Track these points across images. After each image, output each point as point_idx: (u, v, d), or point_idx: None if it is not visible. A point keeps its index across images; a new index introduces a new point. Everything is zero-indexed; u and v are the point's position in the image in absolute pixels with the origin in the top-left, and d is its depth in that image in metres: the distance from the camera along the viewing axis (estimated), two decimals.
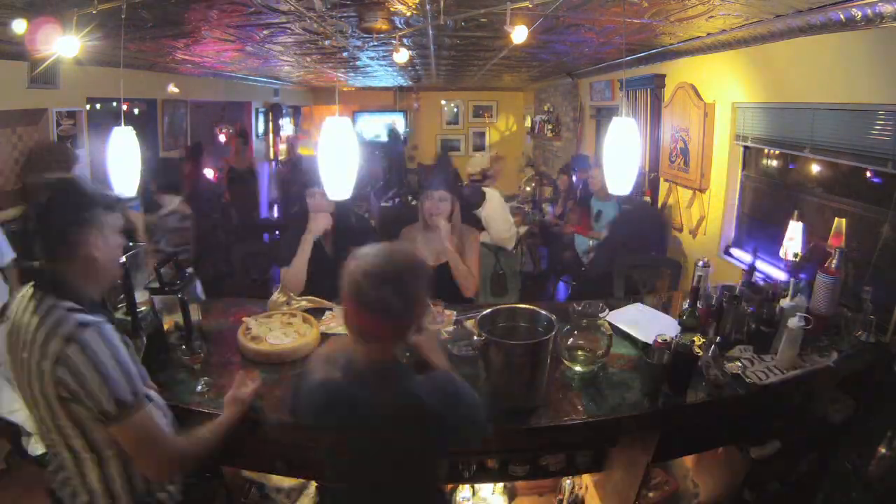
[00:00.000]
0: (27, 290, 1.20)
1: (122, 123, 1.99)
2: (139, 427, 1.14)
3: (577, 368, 1.69)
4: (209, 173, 5.51)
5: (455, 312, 2.17)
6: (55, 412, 1.12)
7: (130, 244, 2.02)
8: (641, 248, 3.28)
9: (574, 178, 5.25)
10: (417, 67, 5.28)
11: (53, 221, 1.15)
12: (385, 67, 5.12)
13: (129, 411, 1.11)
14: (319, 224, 2.29)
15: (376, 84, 7.70)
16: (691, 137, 3.36)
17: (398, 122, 9.43)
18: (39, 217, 1.16)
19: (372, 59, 4.33)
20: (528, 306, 1.70)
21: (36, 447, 2.62)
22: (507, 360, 1.47)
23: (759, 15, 2.23)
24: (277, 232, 6.01)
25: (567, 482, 2.17)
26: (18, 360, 1.15)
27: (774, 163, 2.94)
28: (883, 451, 1.65)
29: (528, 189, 7.57)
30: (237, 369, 1.70)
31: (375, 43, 2.89)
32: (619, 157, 1.78)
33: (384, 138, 8.94)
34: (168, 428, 1.24)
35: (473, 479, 1.89)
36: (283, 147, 7.94)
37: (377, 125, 9.51)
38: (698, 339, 1.77)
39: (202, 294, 2.31)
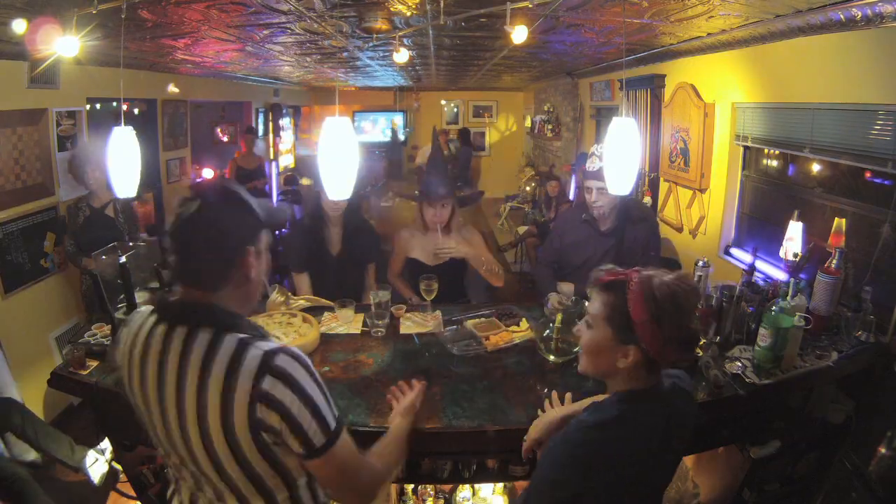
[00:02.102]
0: (147, 321, 1.01)
1: (122, 123, 1.99)
2: (344, 454, 0.99)
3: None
4: (209, 173, 5.52)
5: (440, 313, 2.17)
6: (237, 457, 0.94)
7: (130, 244, 2.03)
8: (634, 247, 3.27)
9: (574, 178, 5.25)
10: (417, 67, 5.28)
11: (210, 245, 0.98)
12: (385, 67, 5.12)
13: (335, 439, 0.97)
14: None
15: (376, 84, 7.70)
16: (691, 137, 3.36)
17: (398, 121, 9.45)
18: (192, 240, 0.98)
19: (372, 59, 4.33)
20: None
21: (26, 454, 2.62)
22: None
23: (759, 15, 2.23)
24: (278, 232, 6.02)
25: None
26: (155, 406, 0.98)
27: (774, 163, 2.94)
28: (883, 451, 1.65)
29: (527, 189, 7.59)
30: None
31: (375, 43, 2.88)
32: (619, 157, 1.78)
33: (384, 138, 8.96)
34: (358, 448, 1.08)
35: (473, 479, 1.89)
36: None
37: (377, 125, 9.54)
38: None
39: None
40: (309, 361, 0.98)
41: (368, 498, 1.06)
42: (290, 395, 0.91)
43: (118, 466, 2.54)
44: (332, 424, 0.97)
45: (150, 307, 1.06)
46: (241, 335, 0.96)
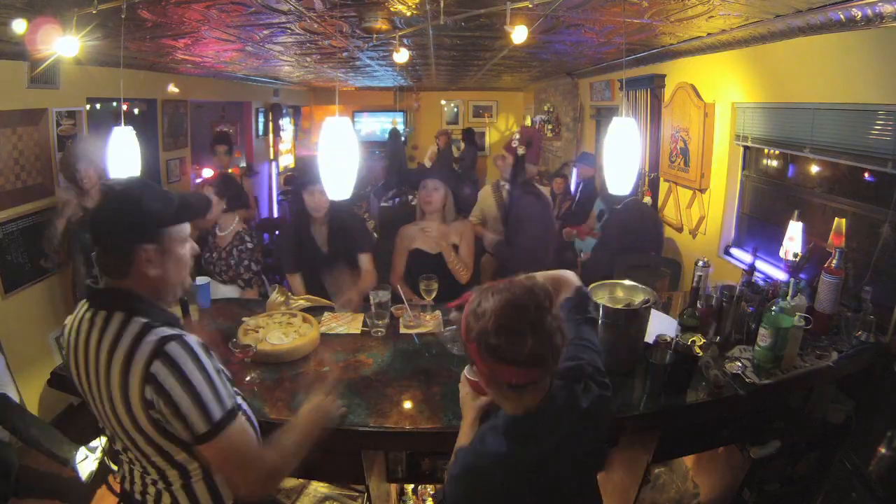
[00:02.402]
0: (82, 308, 1.12)
1: (122, 123, 1.99)
2: (230, 443, 1.04)
3: None
4: (209, 172, 5.52)
5: (439, 312, 2.17)
6: (142, 432, 1.02)
7: None
8: (636, 246, 3.28)
9: (575, 177, 5.25)
10: (417, 67, 5.27)
11: (107, 239, 1.07)
12: (385, 67, 5.11)
13: (220, 428, 1.01)
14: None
15: (376, 84, 7.69)
16: (691, 137, 3.36)
17: (398, 121, 9.44)
18: (94, 233, 1.09)
19: (372, 59, 4.33)
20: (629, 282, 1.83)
21: None
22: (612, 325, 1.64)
23: (759, 15, 2.22)
24: (277, 232, 6.02)
25: None
26: (86, 384, 1.08)
27: (774, 163, 2.94)
28: (883, 451, 1.65)
29: None
30: (236, 369, 1.70)
31: (375, 43, 2.88)
32: (619, 157, 1.79)
33: (384, 138, 8.96)
34: (258, 440, 1.12)
35: None
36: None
37: (378, 125, 9.53)
38: (698, 339, 1.77)
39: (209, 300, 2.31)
40: (200, 352, 1.04)
41: (262, 486, 1.11)
42: (171, 381, 0.98)
43: (114, 466, 2.54)
44: (217, 414, 1.01)
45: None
46: (146, 320, 1.03)
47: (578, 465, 1.12)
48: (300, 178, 2.06)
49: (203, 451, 1.03)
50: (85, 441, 2.80)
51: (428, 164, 7.93)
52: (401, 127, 9.43)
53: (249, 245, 2.71)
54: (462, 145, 8.61)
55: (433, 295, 2.14)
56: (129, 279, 1.07)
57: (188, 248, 1.14)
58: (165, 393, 0.98)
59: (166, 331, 1.02)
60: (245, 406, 1.15)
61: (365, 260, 2.52)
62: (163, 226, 1.08)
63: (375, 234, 4.23)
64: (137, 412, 1.00)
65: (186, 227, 1.14)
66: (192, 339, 1.05)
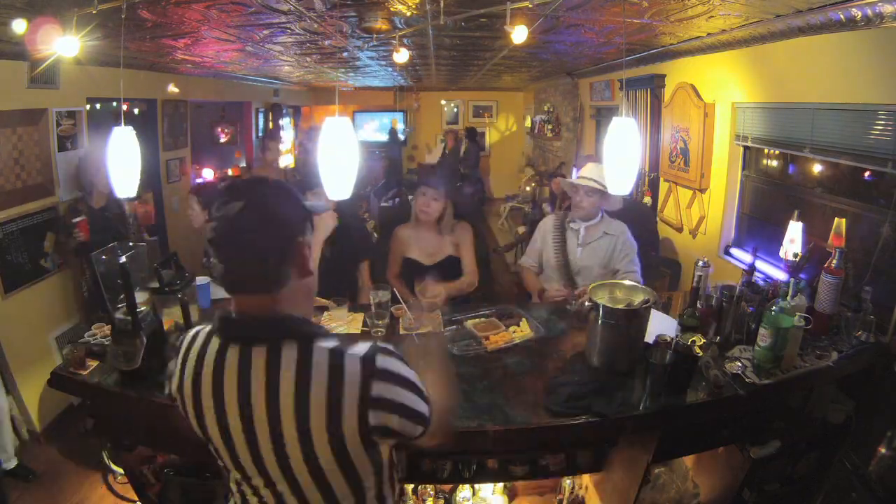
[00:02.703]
0: (212, 344, 0.94)
1: (122, 123, 1.99)
2: (440, 414, 1.01)
3: None
4: (209, 173, 5.53)
5: (440, 313, 2.17)
6: (344, 466, 0.91)
7: (130, 244, 2.02)
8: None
9: (575, 176, 5.24)
10: (417, 67, 5.28)
11: (260, 242, 0.89)
12: (385, 67, 5.12)
13: (432, 405, 0.98)
14: (328, 224, 2.26)
15: (376, 84, 7.70)
16: (691, 137, 3.36)
17: (398, 122, 9.44)
18: (237, 242, 0.89)
19: (372, 59, 4.33)
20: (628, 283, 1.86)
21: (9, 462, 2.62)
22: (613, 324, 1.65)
23: (759, 15, 2.23)
24: None
25: (567, 482, 2.17)
26: (236, 430, 0.91)
27: (774, 163, 2.94)
28: (883, 451, 1.66)
29: (527, 189, 7.59)
30: None
31: (375, 43, 2.88)
32: (619, 157, 1.78)
33: (384, 138, 8.96)
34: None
35: (473, 479, 1.89)
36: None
37: (377, 125, 9.53)
38: (698, 339, 1.77)
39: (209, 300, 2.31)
40: (395, 349, 0.96)
41: (450, 436, 1.10)
42: (399, 391, 0.91)
43: (116, 467, 2.54)
44: (424, 391, 0.97)
45: (199, 328, 1.00)
46: (328, 343, 0.91)
47: None
48: (305, 180, 2.02)
49: (428, 434, 0.98)
50: (86, 441, 2.81)
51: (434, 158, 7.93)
52: (400, 126, 9.44)
53: None
54: (465, 145, 8.61)
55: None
56: (284, 291, 0.92)
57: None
58: (398, 405, 0.91)
59: (359, 347, 0.91)
60: None
61: (363, 267, 2.54)
62: (309, 217, 0.98)
63: (375, 234, 4.22)
64: (351, 443, 0.89)
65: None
66: (383, 343, 0.96)
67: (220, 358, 0.92)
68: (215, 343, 0.94)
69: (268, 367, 0.88)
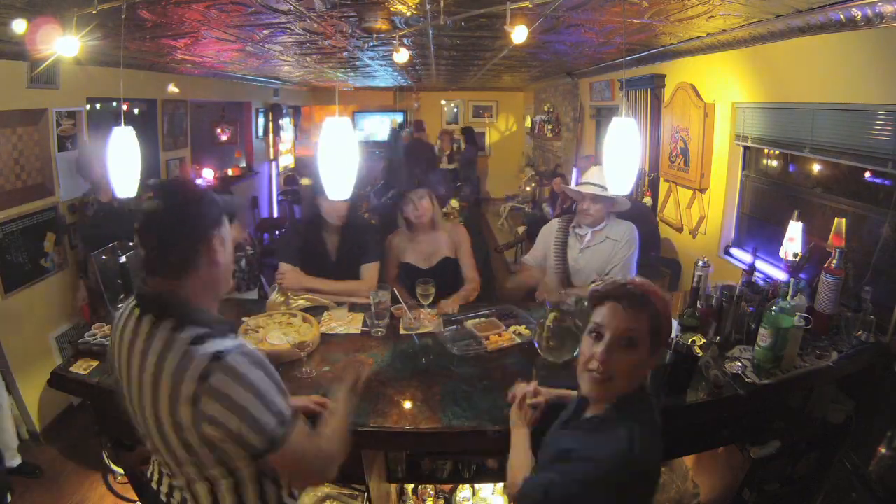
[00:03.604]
0: (129, 308, 1.07)
1: (122, 123, 1.99)
2: (294, 450, 1.00)
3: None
4: (209, 173, 5.52)
5: (436, 312, 2.17)
6: (192, 449, 0.98)
7: (131, 244, 2.03)
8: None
9: (575, 176, 5.25)
10: (417, 67, 5.27)
11: (175, 231, 1.02)
12: (385, 67, 5.11)
13: (283, 439, 0.98)
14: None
15: (376, 84, 7.69)
16: (691, 137, 3.36)
17: (398, 121, 9.44)
18: (157, 229, 1.03)
19: (372, 59, 4.33)
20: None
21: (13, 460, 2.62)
22: None
23: (759, 15, 2.23)
24: (277, 232, 6.02)
25: None
26: (130, 388, 1.03)
27: (774, 163, 2.94)
28: (883, 451, 1.65)
29: (527, 189, 7.59)
30: None
31: (375, 43, 2.88)
32: (619, 157, 1.78)
33: (384, 138, 8.95)
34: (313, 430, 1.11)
35: (473, 480, 1.89)
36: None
37: (377, 125, 9.53)
38: (698, 339, 1.77)
39: None
40: (262, 358, 1.01)
41: (324, 479, 1.16)
42: (239, 390, 0.94)
43: (115, 467, 2.54)
44: (278, 430, 0.98)
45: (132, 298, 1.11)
46: (199, 329, 0.99)
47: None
48: (317, 184, 2.01)
49: (272, 458, 0.99)
50: (86, 441, 2.81)
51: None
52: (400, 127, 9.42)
53: (249, 250, 2.72)
54: (462, 144, 8.60)
55: (430, 300, 2.12)
56: (187, 278, 1.03)
57: (231, 245, 1.14)
58: (233, 404, 0.93)
59: (222, 342, 0.98)
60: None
61: (370, 269, 2.46)
62: (223, 214, 1.08)
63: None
64: (185, 423, 0.95)
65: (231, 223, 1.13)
66: (251, 347, 1.02)
67: (127, 322, 1.05)
68: (130, 308, 1.07)
69: (147, 336, 1.00)
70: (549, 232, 2.47)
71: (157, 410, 0.97)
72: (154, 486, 1.18)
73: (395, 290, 2.13)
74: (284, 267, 2.30)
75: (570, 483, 1.00)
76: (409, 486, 2.11)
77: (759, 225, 3.00)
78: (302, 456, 1.04)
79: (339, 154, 1.66)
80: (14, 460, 2.64)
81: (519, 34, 1.88)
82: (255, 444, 0.96)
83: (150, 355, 0.98)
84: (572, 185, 5.19)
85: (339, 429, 1.18)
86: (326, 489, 1.89)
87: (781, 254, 2.28)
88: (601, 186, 2.21)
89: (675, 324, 1.90)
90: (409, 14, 2.28)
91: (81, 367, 1.73)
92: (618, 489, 0.98)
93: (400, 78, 6.75)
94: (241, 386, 0.95)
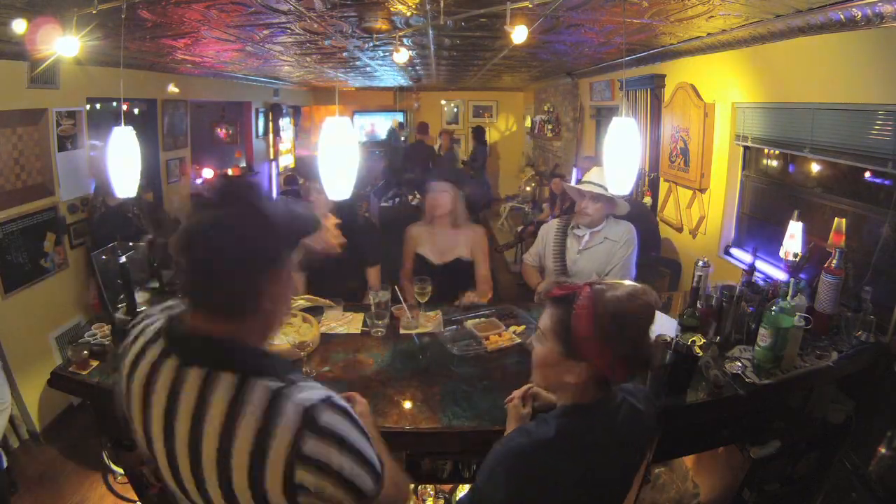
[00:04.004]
0: (153, 349, 0.85)
1: (122, 123, 1.99)
2: (390, 487, 0.87)
3: None
4: (209, 173, 5.52)
5: (440, 313, 2.17)
6: None
7: (130, 244, 2.03)
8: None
9: (576, 176, 5.25)
10: (417, 67, 5.27)
11: (228, 268, 0.79)
12: (385, 67, 5.11)
13: (383, 477, 0.85)
14: (319, 242, 2.20)
15: (376, 84, 7.69)
16: (691, 137, 3.36)
17: (398, 122, 9.45)
18: (205, 262, 0.79)
19: (372, 59, 4.33)
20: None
21: None
22: None
23: (759, 15, 2.23)
24: None
25: None
26: (162, 453, 0.83)
27: (774, 163, 2.94)
28: (883, 451, 1.65)
29: (527, 189, 7.59)
30: None
31: (375, 43, 2.88)
32: (619, 157, 1.79)
33: (384, 138, 8.95)
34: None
35: (473, 480, 1.89)
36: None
37: (377, 125, 9.54)
38: (698, 339, 1.77)
39: None
40: (350, 409, 0.84)
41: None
42: (337, 455, 0.78)
43: (115, 467, 2.54)
44: (378, 464, 0.84)
45: (154, 319, 0.91)
46: (273, 383, 0.79)
47: (619, 471, 1.14)
48: (306, 187, 2.01)
49: None
50: (86, 441, 2.81)
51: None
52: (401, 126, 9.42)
53: None
54: (469, 145, 8.58)
55: (426, 298, 2.11)
56: (245, 319, 0.82)
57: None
58: (332, 470, 0.77)
59: (307, 395, 0.79)
60: None
61: (372, 274, 2.47)
62: (293, 244, 0.86)
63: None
64: (272, 496, 0.77)
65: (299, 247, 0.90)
66: (339, 399, 0.83)
67: (158, 367, 0.83)
68: (156, 349, 0.85)
69: (199, 392, 0.79)
70: (548, 232, 2.47)
71: (221, 478, 0.78)
72: None
73: (395, 289, 2.13)
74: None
75: (486, 461, 1.08)
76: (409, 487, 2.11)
77: (759, 225, 3.00)
78: (396, 491, 0.91)
79: (339, 154, 1.66)
80: None
81: (519, 34, 1.88)
82: (361, 489, 0.81)
83: (212, 415, 0.77)
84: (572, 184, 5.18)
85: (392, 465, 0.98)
86: None
87: (781, 254, 2.28)
88: (601, 186, 2.21)
89: (675, 324, 1.90)
90: (409, 14, 2.28)
91: (81, 367, 1.73)
92: (505, 477, 1.02)
93: (400, 78, 6.75)
94: (348, 437, 0.80)
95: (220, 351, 0.81)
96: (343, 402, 0.83)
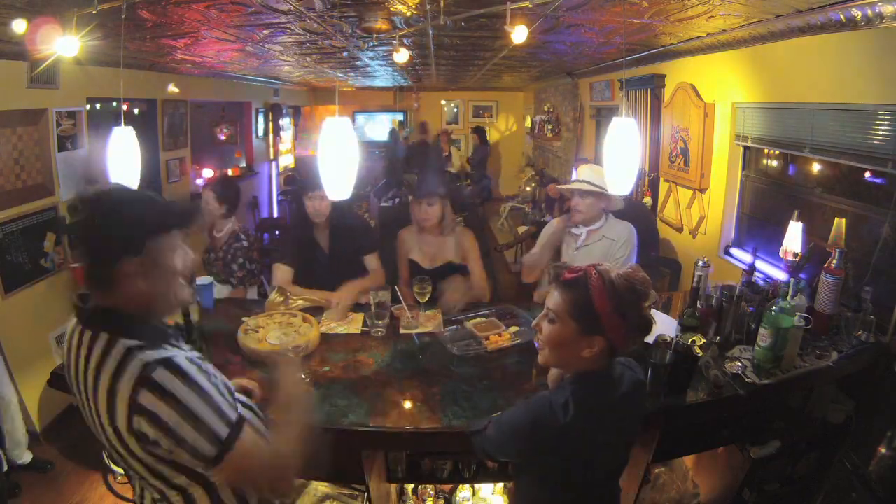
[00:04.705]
0: (73, 322, 1.04)
1: (122, 123, 1.99)
2: (242, 457, 0.96)
3: None
4: (209, 172, 5.53)
5: (440, 312, 2.17)
6: (136, 458, 0.96)
7: None
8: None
9: (574, 176, 5.25)
10: (417, 67, 5.28)
11: (91, 253, 1.00)
12: (385, 67, 5.12)
13: (230, 446, 0.95)
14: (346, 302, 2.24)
15: (376, 84, 7.70)
16: (691, 137, 3.36)
17: (398, 122, 9.45)
18: (80, 247, 1.02)
19: (372, 59, 4.33)
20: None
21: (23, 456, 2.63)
22: None
23: (759, 15, 2.23)
24: (277, 232, 6.02)
25: None
26: (82, 403, 1.01)
27: (774, 163, 2.94)
28: (883, 451, 1.66)
29: (527, 189, 7.59)
30: (238, 369, 1.71)
31: (375, 43, 2.88)
32: (619, 157, 1.78)
33: (384, 138, 8.95)
34: (265, 438, 1.06)
35: (473, 479, 1.89)
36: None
37: (377, 125, 9.53)
38: (698, 339, 1.77)
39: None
40: (191, 369, 0.95)
41: (282, 484, 1.10)
42: (166, 410, 0.90)
43: (115, 467, 2.54)
44: (224, 432, 0.94)
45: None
46: (131, 343, 0.95)
47: (618, 439, 1.25)
48: (301, 182, 2.03)
49: (217, 473, 0.98)
50: (86, 441, 2.80)
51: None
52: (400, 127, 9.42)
53: (245, 243, 2.69)
54: (478, 142, 8.56)
55: (426, 298, 2.11)
56: (117, 295, 0.98)
57: (180, 258, 1.04)
58: (161, 423, 0.90)
59: (151, 354, 0.94)
60: (244, 412, 1.05)
61: (371, 260, 2.48)
62: (148, 235, 0.99)
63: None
64: (129, 441, 0.93)
65: (176, 236, 1.04)
66: (181, 358, 0.96)
67: (72, 337, 1.03)
68: (73, 322, 1.05)
69: (87, 351, 0.97)
70: (548, 231, 2.47)
71: (102, 423, 0.95)
72: (137, 500, 1.15)
73: (395, 289, 2.13)
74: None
75: (497, 423, 1.23)
76: (409, 486, 2.11)
77: (759, 225, 3.00)
78: (251, 464, 0.99)
79: (339, 154, 1.66)
80: (25, 457, 2.65)
81: (519, 34, 1.88)
82: (200, 451, 0.93)
83: (90, 369, 0.96)
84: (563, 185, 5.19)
85: (294, 427, 1.11)
86: (326, 489, 1.89)
87: (781, 254, 2.29)
88: (588, 182, 2.22)
89: (675, 324, 1.90)
90: (409, 14, 2.28)
91: None
92: (528, 437, 1.15)
93: (400, 78, 6.75)
94: (182, 391, 0.92)
95: (99, 317, 1.00)
96: (185, 365, 0.95)
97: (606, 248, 2.28)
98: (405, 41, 3.16)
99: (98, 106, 3.95)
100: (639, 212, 3.61)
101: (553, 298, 1.19)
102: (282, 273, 2.41)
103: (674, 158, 3.64)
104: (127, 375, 0.91)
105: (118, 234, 0.98)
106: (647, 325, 1.18)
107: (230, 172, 6.24)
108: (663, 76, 3.74)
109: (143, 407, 0.90)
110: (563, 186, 2.35)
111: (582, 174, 2.28)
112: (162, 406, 0.90)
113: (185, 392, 0.92)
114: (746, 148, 3.01)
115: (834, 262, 1.88)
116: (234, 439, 0.95)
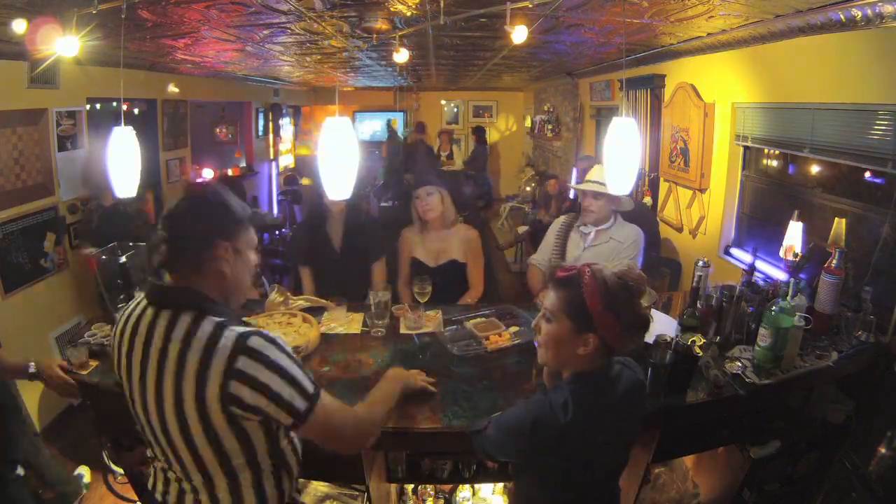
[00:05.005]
0: (138, 305, 1.10)
1: (122, 123, 1.99)
2: (328, 412, 1.10)
3: None
4: (209, 173, 5.52)
5: (440, 313, 2.17)
6: (207, 434, 1.02)
7: (130, 244, 2.03)
8: None
9: (575, 176, 5.25)
10: (417, 67, 5.27)
11: (184, 233, 1.08)
12: (385, 67, 5.11)
13: (316, 400, 1.07)
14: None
15: (376, 84, 7.69)
16: (691, 137, 3.36)
17: (397, 122, 9.44)
18: (170, 227, 1.08)
19: (372, 59, 4.33)
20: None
21: None
22: None
23: (759, 15, 2.22)
24: (278, 232, 6.02)
25: None
26: (136, 386, 1.06)
27: (774, 163, 2.94)
28: (883, 451, 1.66)
29: (527, 189, 7.59)
30: None
31: (375, 43, 2.88)
32: (619, 157, 1.78)
33: (383, 138, 8.94)
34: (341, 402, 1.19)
35: (473, 479, 1.89)
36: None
37: (377, 125, 9.53)
38: (698, 339, 1.77)
39: None
40: (282, 341, 1.07)
41: (358, 446, 1.25)
42: (265, 372, 1.00)
43: (115, 467, 2.54)
44: (311, 388, 1.07)
45: (137, 298, 1.15)
46: (219, 318, 1.03)
47: (618, 438, 1.26)
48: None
49: (305, 428, 1.07)
50: (86, 442, 2.81)
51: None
52: (399, 127, 9.42)
53: None
54: (469, 145, 8.56)
55: (426, 298, 2.11)
56: (199, 277, 1.08)
57: (253, 255, 1.17)
58: (261, 385, 0.99)
59: (241, 328, 1.03)
60: None
61: (377, 270, 2.49)
62: (237, 223, 1.12)
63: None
64: (213, 413, 0.99)
65: (252, 232, 1.16)
66: (270, 333, 1.07)
67: (140, 319, 1.08)
68: (141, 306, 1.10)
69: (166, 329, 1.03)
70: (554, 229, 2.47)
71: (177, 397, 1.00)
72: (158, 496, 1.17)
73: (403, 295, 2.13)
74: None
75: (496, 423, 1.25)
76: (409, 486, 2.11)
77: (759, 225, 3.00)
78: (332, 423, 1.12)
79: (339, 154, 1.66)
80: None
81: (519, 34, 1.88)
82: (295, 406, 1.03)
83: (172, 346, 1.01)
84: (573, 184, 5.19)
85: (380, 401, 1.33)
86: (325, 489, 1.90)
87: (781, 254, 2.28)
88: (602, 184, 2.21)
89: (675, 324, 1.90)
90: (409, 14, 2.28)
91: (81, 368, 1.73)
92: (528, 437, 1.15)
93: (400, 78, 6.75)
94: (276, 354, 1.02)
95: (181, 295, 1.07)
96: (273, 335, 1.06)
97: (614, 250, 2.29)
98: (405, 41, 3.16)
99: (98, 106, 3.95)
100: (640, 212, 3.61)
101: (549, 297, 1.21)
102: (307, 278, 2.45)
103: (674, 158, 3.64)
104: (222, 345, 0.99)
105: (216, 217, 1.10)
106: (643, 322, 1.18)
107: (230, 172, 6.24)
108: (663, 76, 3.74)
109: (243, 371, 0.98)
110: (578, 186, 2.35)
111: (594, 175, 2.28)
112: (261, 368, 1.00)
113: (278, 355, 1.03)
114: (746, 148, 3.01)
115: (834, 262, 1.88)
116: (318, 395, 1.08)
